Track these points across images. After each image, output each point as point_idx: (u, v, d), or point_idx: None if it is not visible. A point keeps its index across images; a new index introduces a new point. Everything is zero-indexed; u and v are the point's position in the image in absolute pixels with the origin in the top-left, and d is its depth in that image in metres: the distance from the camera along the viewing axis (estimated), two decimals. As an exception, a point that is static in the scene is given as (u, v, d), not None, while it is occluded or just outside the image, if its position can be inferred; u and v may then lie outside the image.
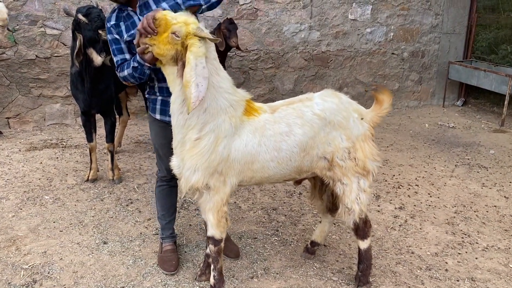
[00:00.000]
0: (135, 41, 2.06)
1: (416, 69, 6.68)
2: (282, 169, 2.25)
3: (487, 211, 3.53)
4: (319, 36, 5.96)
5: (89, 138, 3.68)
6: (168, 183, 2.62)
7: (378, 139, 5.26)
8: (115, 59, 2.37)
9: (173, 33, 1.94)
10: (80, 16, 3.11)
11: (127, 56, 2.35)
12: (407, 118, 6.32)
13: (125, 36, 2.32)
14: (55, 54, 5.03)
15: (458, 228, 3.26)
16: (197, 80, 1.93)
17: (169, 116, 2.29)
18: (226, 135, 2.10)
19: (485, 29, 6.68)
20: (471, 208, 3.58)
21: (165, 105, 2.41)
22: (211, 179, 2.15)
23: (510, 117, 6.04)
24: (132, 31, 2.29)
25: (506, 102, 5.70)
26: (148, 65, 2.15)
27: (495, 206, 3.63)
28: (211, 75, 2.03)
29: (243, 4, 5.48)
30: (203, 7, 2.24)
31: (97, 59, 3.18)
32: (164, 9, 2.05)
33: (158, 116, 2.47)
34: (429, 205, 3.61)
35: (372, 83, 6.44)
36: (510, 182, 4.11)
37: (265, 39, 5.72)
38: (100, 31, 3.04)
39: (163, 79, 2.19)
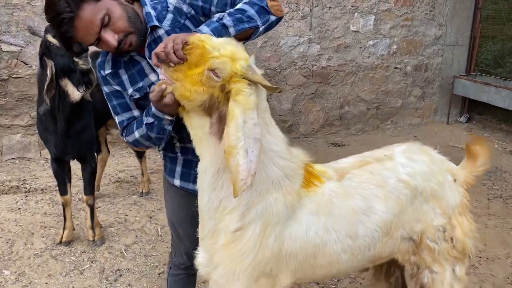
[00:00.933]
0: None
1: (419, 84, 6.22)
2: (356, 262, 1.62)
3: None
4: (319, 49, 5.37)
5: (63, 191, 2.90)
6: (187, 271, 1.92)
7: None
8: (117, 119, 1.69)
9: (212, 70, 1.28)
10: (50, 38, 2.35)
11: (136, 113, 1.67)
12: (414, 138, 5.83)
13: (130, 90, 1.63)
14: (14, 75, 4.19)
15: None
16: (246, 145, 1.26)
17: (194, 182, 1.64)
18: (278, 221, 1.45)
19: (489, 40, 6.31)
20: (528, 258, 3.06)
21: (189, 166, 1.74)
22: (254, 286, 1.48)
23: (523, 136, 5.67)
24: (141, 84, 1.61)
25: (522, 121, 5.29)
26: (170, 117, 1.48)
27: None
28: (261, 135, 1.36)
29: (236, 14, 4.82)
30: (260, 29, 1.53)
31: (74, 93, 2.43)
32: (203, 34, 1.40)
33: (178, 182, 1.78)
34: (480, 257, 3.07)
35: (374, 100, 5.93)
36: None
37: (261, 54, 5.09)
38: (76, 59, 2.29)
39: (189, 139, 1.52)
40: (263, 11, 1.50)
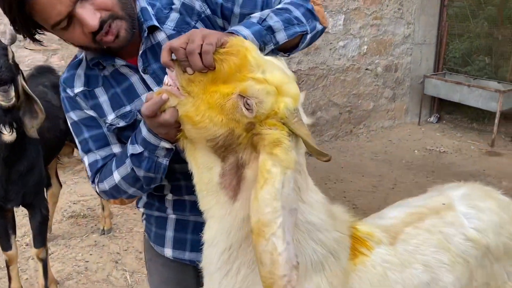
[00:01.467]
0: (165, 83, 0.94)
1: (389, 85, 6.03)
2: None
3: None
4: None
5: (5, 245, 2.32)
6: None
7: (377, 178, 4.46)
8: (88, 159, 1.21)
9: (244, 97, 0.86)
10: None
11: (116, 149, 1.21)
12: (389, 142, 5.63)
13: (111, 117, 1.18)
14: None
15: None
16: (285, 222, 0.84)
17: (192, 250, 1.28)
18: None
19: (456, 38, 6.23)
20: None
21: (185, 228, 1.29)
22: None
23: (497, 135, 5.60)
24: (129, 107, 1.17)
25: (496, 121, 5.22)
26: (168, 145, 1.03)
27: None
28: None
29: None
30: (308, 37, 1.12)
31: (4, 136, 1.89)
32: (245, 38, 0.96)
33: (169, 253, 1.32)
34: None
35: (346, 104, 5.65)
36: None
37: (228, 61, 4.63)
38: None
39: (188, 190, 1.16)
40: (310, 14, 1.11)
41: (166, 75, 0.93)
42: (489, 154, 5.15)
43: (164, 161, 1.07)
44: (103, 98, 1.17)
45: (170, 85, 0.92)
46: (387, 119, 6.18)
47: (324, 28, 1.18)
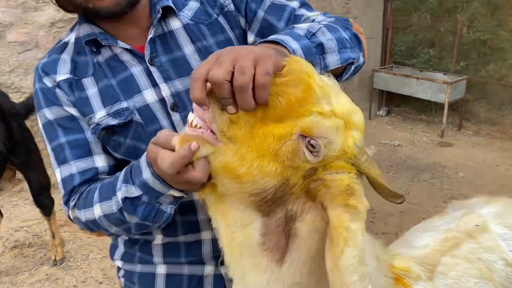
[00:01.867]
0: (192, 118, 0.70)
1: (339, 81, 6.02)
2: None
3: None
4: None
5: None
6: None
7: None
8: (61, 173, 0.96)
9: (307, 137, 0.66)
10: None
11: (100, 163, 0.96)
12: (344, 138, 5.63)
13: (101, 113, 0.94)
14: None
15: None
16: None
17: None
18: None
19: (401, 32, 6.36)
20: None
21: None
22: None
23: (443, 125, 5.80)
24: (125, 104, 0.95)
25: (445, 112, 5.37)
26: (178, 193, 0.79)
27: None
28: None
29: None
30: (353, 66, 0.93)
31: None
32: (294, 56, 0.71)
33: None
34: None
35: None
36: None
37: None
38: None
39: (184, 227, 1.01)
40: (356, 41, 0.95)
41: (190, 112, 0.69)
42: (441, 145, 5.30)
43: (169, 209, 0.85)
44: (92, 91, 0.94)
45: (198, 127, 0.68)
46: (339, 114, 6.19)
47: (364, 62, 1.01)
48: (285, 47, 0.76)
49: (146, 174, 0.78)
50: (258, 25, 1.01)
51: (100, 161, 0.96)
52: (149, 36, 0.94)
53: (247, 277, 0.78)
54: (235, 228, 0.75)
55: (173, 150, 0.67)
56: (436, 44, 6.11)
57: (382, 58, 6.45)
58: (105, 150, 0.98)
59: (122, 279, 1.14)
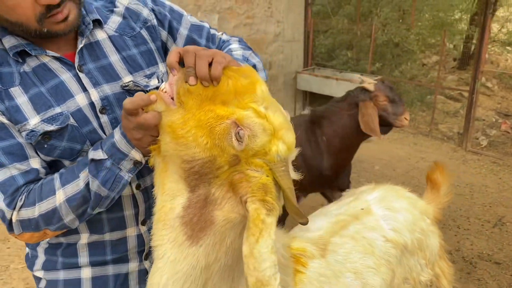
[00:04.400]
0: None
1: (265, 82, 6.25)
2: None
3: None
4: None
5: None
6: None
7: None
8: None
9: (238, 125, 0.82)
10: None
11: (35, 164, 1.00)
12: (271, 138, 5.86)
13: (34, 120, 0.98)
14: None
15: None
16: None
17: None
18: None
19: (320, 35, 6.74)
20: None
21: None
22: None
23: (363, 123, 6.22)
24: (58, 109, 1.00)
25: (363, 110, 5.77)
26: (138, 157, 0.94)
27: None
28: None
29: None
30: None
31: None
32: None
33: None
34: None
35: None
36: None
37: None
38: None
39: (110, 224, 1.10)
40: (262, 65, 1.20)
41: (163, 83, 0.89)
42: (360, 141, 5.69)
43: (126, 176, 0.95)
44: (21, 99, 0.98)
45: (163, 91, 0.87)
46: (266, 115, 6.42)
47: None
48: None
49: (117, 135, 0.92)
50: (183, 41, 1.18)
51: (35, 163, 1.00)
52: (80, 46, 1.02)
53: (163, 247, 0.88)
54: (166, 197, 0.87)
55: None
56: (353, 46, 6.55)
57: (305, 60, 6.78)
58: (41, 152, 1.02)
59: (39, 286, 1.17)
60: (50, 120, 0.98)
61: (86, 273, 1.12)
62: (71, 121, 1.00)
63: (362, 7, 6.43)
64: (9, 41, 0.99)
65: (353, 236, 1.33)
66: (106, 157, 0.92)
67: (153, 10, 1.15)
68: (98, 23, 1.08)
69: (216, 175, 0.83)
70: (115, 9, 1.11)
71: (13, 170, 0.98)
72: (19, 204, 0.98)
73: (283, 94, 6.59)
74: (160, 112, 0.85)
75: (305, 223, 0.83)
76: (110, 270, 1.13)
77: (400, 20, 6.27)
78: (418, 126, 5.98)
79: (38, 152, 1.01)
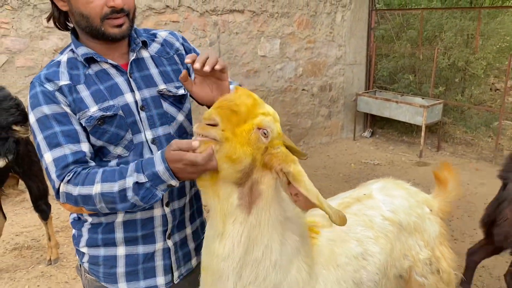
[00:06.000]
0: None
1: (325, 104, 6.54)
2: None
3: (481, 276, 3.26)
4: (230, 76, 5.32)
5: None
6: None
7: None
8: (55, 154, 1.26)
9: (261, 128, 1.17)
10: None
11: (85, 147, 1.30)
12: (327, 157, 6.08)
13: (93, 108, 1.31)
14: None
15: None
16: None
17: (146, 276, 1.43)
18: None
19: (383, 58, 6.92)
20: (463, 274, 3.27)
21: (134, 263, 1.43)
22: None
23: (424, 146, 6.24)
24: (112, 102, 1.34)
25: (423, 133, 5.84)
26: (176, 183, 1.21)
27: (483, 266, 3.38)
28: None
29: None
30: None
31: None
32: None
33: (123, 287, 1.44)
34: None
35: (286, 122, 6.06)
36: (474, 229, 3.98)
37: (170, 85, 4.88)
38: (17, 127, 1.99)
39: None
40: None
41: (195, 139, 1.16)
42: (418, 165, 5.74)
43: (160, 194, 1.21)
44: (85, 93, 1.31)
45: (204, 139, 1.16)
46: (324, 135, 6.67)
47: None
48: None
49: (160, 167, 1.16)
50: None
51: (85, 147, 1.29)
52: (132, 58, 1.40)
53: (229, 230, 1.21)
54: (224, 200, 1.21)
55: (193, 150, 1.13)
56: (416, 70, 6.65)
57: (367, 83, 6.98)
58: (88, 140, 1.34)
59: (86, 264, 1.47)
60: (105, 109, 1.31)
61: (121, 251, 1.42)
62: (120, 112, 1.35)
63: (426, 32, 6.54)
64: (82, 50, 1.36)
65: (356, 213, 1.58)
66: (147, 180, 1.19)
67: (183, 45, 1.53)
68: (144, 45, 1.46)
69: (255, 166, 1.19)
70: (155, 39, 1.50)
71: (67, 149, 1.25)
72: (66, 178, 1.24)
73: (343, 116, 6.82)
74: (212, 151, 1.14)
75: (305, 158, 1.31)
76: (140, 249, 1.43)
77: (465, 45, 6.28)
78: (482, 151, 5.89)
79: (91, 136, 1.31)
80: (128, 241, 1.41)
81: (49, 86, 1.29)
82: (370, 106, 6.49)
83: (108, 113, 1.31)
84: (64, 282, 3.13)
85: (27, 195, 3.91)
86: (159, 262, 1.44)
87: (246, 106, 1.15)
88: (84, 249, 1.44)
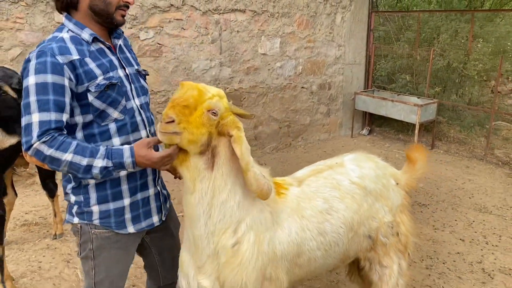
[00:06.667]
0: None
1: (324, 102, 6.76)
2: (329, 258, 1.80)
3: (454, 261, 3.44)
4: (230, 72, 5.59)
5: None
6: None
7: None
8: (40, 117, 1.46)
9: (210, 110, 1.47)
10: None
11: (65, 118, 1.52)
12: (324, 153, 6.28)
13: (100, 78, 1.60)
14: None
15: None
16: None
17: (146, 217, 1.77)
18: (267, 228, 1.62)
19: (382, 59, 7.12)
20: (437, 259, 3.45)
21: (136, 208, 1.75)
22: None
23: (415, 143, 6.42)
24: (111, 74, 1.65)
25: (416, 131, 6.03)
26: (137, 169, 1.60)
27: (458, 253, 3.57)
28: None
29: (145, 39, 4.82)
30: None
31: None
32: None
33: (131, 229, 1.74)
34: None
35: (285, 119, 6.29)
36: (455, 220, 4.16)
37: (173, 78, 5.12)
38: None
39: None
40: None
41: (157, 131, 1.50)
42: (412, 160, 5.92)
43: (116, 175, 1.61)
44: (92, 65, 1.61)
45: (168, 136, 1.47)
46: (323, 132, 6.88)
47: None
48: None
49: (127, 160, 1.52)
50: None
51: (65, 118, 1.51)
52: (119, 43, 1.75)
53: (198, 186, 1.51)
54: (193, 169, 1.50)
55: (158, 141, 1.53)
56: (413, 71, 6.85)
57: (365, 83, 7.19)
58: (72, 111, 1.56)
59: (97, 220, 1.69)
60: (108, 78, 1.62)
61: (126, 202, 1.71)
62: (119, 81, 1.66)
63: (424, 33, 6.74)
64: (87, 32, 1.64)
65: (325, 177, 1.81)
66: (112, 166, 1.51)
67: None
68: (121, 34, 1.79)
69: (212, 137, 1.49)
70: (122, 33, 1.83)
71: (53, 116, 1.47)
72: (43, 139, 1.45)
73: (342, 114, 7.03)
74: (177, 145, 1.47)
75: (253, 117, 1.62)
76: (139, 196, 1.74)
77: (459, 47, 6.47)
78: (474, 150, 6.07)
79: (98, 100, 1.59)
80: (131, 190, 1.71)
81: (60, 59, 1.52)
82: (368, 105, 6.69)
83: (113, 81, 1.62)
84: (67, 254, 3.37)
85: (37, 178, 4.16)
86: (153, 205, 1.79)
87: (193, 97, 1.43)
88: (94, 208, 1.68)
